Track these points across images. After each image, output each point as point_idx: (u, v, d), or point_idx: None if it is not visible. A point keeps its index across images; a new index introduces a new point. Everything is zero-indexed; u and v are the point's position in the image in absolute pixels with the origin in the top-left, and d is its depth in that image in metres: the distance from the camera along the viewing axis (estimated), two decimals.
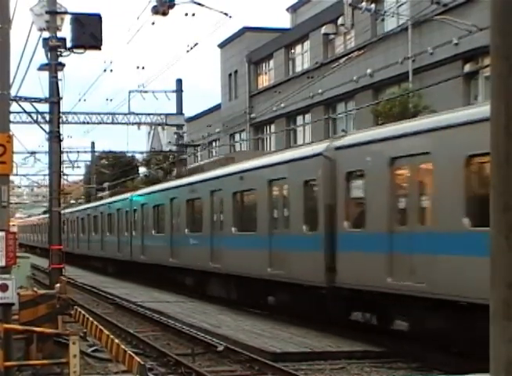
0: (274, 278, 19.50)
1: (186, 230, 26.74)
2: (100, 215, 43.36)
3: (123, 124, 43.50)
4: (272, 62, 45.35)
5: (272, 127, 44.70)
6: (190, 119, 55.74)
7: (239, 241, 21.89)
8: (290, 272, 18.50)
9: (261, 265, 19.87)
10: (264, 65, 46.95)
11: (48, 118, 22.49)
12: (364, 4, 28.27)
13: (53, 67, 21.52)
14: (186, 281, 27.88)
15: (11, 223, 13.48)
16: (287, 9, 49.32)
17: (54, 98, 21.81)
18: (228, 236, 22.64)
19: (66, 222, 54.01)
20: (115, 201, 40.01)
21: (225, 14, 25.38)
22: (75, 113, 41.58)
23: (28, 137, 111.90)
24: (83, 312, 15.62)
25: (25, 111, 25.20)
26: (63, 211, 54.06)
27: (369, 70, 32.85)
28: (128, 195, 37.18)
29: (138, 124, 44.33)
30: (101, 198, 48.62)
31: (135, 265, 34.40)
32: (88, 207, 49.01)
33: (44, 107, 23.10)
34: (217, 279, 24.21)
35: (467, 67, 27.02)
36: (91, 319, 14.62)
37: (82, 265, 48.34)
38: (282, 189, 19.60)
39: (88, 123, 42.72)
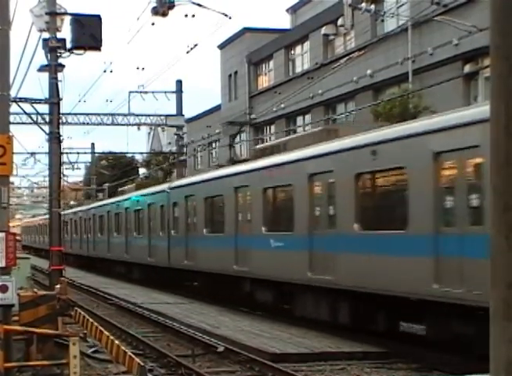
0: (448, 300, 13.15)
1: (263, 229, 20.45)
2: (124, 212, 37.02)
3: (123, 125, 43.53)
4: (272, 62, 45.34)
5: (272, 127, 44.68)
6: (190, 120, 55.74)
7: (367, 243, 15.72)
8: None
9: (417, 279, 13.90)
10: (264, 66, 46.94)
11: (48, 119, 22.48)
12: (364, 5, 28.30)
13: (53, 68, 21.53)
14: (258, 295, 21.43)
15: (12, 224, 13.50)
16: (287, 10, 49.33)
17: (54, 99, 21.81)
18: (347, 236, 16.40)
19: (79, 221, 51.09)
20: (145, 195, 33.61)
21: (225, 15, 25.42)
22: (75, 114, 41.60)
23: (28, 138, 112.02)
24: (83, 313, 15.63)
25: (25, 112, 25.19)
26: (74, 210, 54.04)
27: (369, 71, 32.85)
28: (164, 186, 31.33)
29: (138, 125, 44.34)
30: (122, 192, 42.13)
31: (174, 272, 28.80)
32: (108, 203, 42.61)
33: (44, 108, 23.13)
34: (315, 295, 18.03)
35: (467, 68, 27.01)
36: (91, 320, 14.62)
37: (101, 271, 43.37)
38: (463, 166, 13.04)
39: (87, 124, 42.72)
